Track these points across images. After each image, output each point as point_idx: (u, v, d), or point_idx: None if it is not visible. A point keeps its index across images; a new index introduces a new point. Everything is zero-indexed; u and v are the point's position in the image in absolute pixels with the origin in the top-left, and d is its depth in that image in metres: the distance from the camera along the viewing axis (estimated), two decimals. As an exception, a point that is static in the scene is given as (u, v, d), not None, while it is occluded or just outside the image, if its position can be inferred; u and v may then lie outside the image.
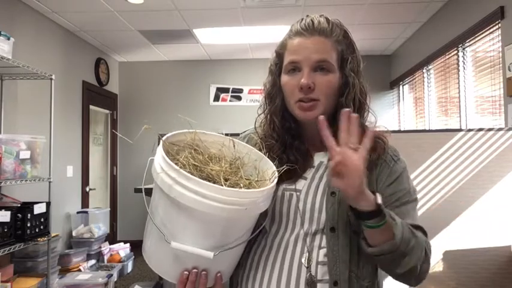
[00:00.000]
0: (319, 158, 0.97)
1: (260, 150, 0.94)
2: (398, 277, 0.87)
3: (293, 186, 0.94)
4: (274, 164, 0.91)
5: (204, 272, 0.84)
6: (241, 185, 0.84)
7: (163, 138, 0.88)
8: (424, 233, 0.91)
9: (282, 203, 0.94)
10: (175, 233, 0.82)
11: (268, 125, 1.00)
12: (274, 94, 0.98)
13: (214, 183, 0.81)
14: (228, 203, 0.77)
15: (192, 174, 0.80)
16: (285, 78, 0.94)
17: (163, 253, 0.86)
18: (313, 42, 0.91)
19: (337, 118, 0.91)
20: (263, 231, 0.95)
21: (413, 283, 0.89)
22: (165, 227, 0.83)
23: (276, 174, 0.88)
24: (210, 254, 0.80)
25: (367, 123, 0.97)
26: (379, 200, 0.80)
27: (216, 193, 0.77)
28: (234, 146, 0.95)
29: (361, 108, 0.94)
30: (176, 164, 0.81)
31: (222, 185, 0.81)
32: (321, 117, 0.80)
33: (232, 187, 0.83)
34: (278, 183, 0.91)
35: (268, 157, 0.93)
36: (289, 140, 0.97)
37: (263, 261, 0.93)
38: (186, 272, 0.84)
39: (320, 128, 0.79)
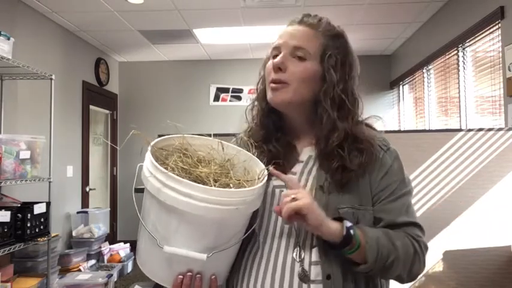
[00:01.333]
0: (307, 152, 0.97)
1: (249, 150, 0.95)
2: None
3: (283, 183, 0.94)
4: (263, 162, 0.91)
5: (198, 275, 0.84)
6: (231, 185, 0.84)
7: (152, 143, 0.88)
8: (420, 228, 0.91)
9: (272, 200, 0.94)
10: (167, 236, 0.81)
11: (254, 112, 1.03)
12: (261, 84, 1.01)
13: (203, 184, 0.81)
14: (217, 203, 0.77)
15: (181, 177, 0.80)
16: (267, 62, 0.97)
17: (156, 257, 0.85)
18: (294, 29, 0.95)
19: (317, 115, 0.93)
20: (255, 230, 0.95)
21: (405, 282, 0.90)
22: (156, 231, 0.82)
23: (265, 172, 0.88)
24: (203, 256, 0.79)
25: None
26: (344, 231, 0.83)
27: (205, 194, 0.76)
28: (222, 148, 0.95)
29: (342, 106, 0.92)
30: (165, 168, 0.81)
31: (211, 186, 0.81)
32: (270, 168, 0.89)
33: (223, 188, 0.83)
34: (268, 180, 0.92)
35: (254, 150, 0.95)
36: (271, 129, 0.99)
37: (257, 261, 0.93)
38: (180, 276, 0.83)
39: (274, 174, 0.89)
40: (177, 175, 0.80)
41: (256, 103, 1.03)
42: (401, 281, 0.89)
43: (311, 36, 0.93)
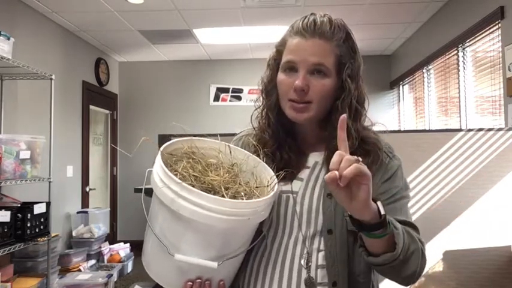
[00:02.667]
0: (314, 158, 0.97)
1: (258, 155, 0.94)
2: (397, 281, 0.87)
3: (289, 188, 0.94)
4: (272, 169, 0.90)
5: (207, 282, 0.84)
6: (242, 193, 0.85)
7: (161, 149, 0.87)
8: (417, 230, 0.90)
9: (280, 206, 0.94)
10: (176, 243, 0.81)
11: (263, 120, 1.00)
12: (270, 90, 0.98)
13: (215, 193, 0.82)
14: (231, 214, 0.77)
15: (193, 186, 0.80)
16: (281, 76, 0.94)
17: (165, 264, 0.85)
18: (312, 44, 0.90)
19: (332, 120, 0.91)
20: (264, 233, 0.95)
21: (412, 282, 0.88)
22: (165, 238, 0.82)
23: (276, 180, 0.87)
24: (214, 264, 0.80)
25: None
26: (383, 210, 0.77)
27: (218, 205, 0.77)
28: (230, 152, 0.94)
29: (357, 113, 0.93)
30: (175, 175, 0.81)
31: (223, 196, 0.81)
32: (343, 116, 0.76)
33: (234, 196, 0.83)
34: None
35: (262, 155, 0.93)
36: (283, 137, 0.97)
37: (263, 266, 0.93)
38: (189, 283, 0.84)
39: (339, 127, 0.76)
40: (190, 184, 0.80)
41: (264, 112, 1.00)
42: (410, 280, 0.85)
43: (328, 51, 0.90)
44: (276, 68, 0.97)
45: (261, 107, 1.01)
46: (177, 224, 0.81)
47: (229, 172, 0.90)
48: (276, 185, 0.87)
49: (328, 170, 0.86)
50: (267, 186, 0.88)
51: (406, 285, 0.89)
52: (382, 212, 0.77)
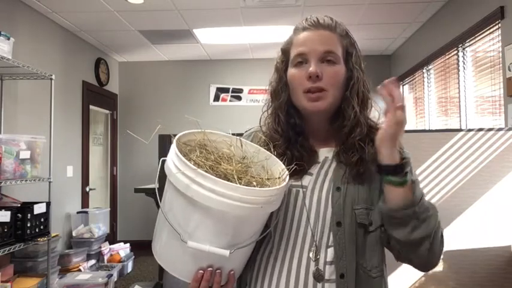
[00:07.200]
0: (323, 153, 0.99)
1: (267, 148, 0.96)
2: (413, 249, 0.87)
3: (299, 183, 0.95)
4: (283, 162, 0.92)
5: (218, 271, 0.85)
6: (255, 183, 0.86)
7: (176, 137, 0.89)
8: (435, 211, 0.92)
9: (289, 199, 0.95)
10: (189, 231, 0.82)
11: (273, 121, 1.01)
12: (279, 90, 1.00)
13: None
14: (244, 201, 0.78)
15: (208, 173, 0.81)
16: (292, 71, 0.96)
17: (177, 252, 0.86)
18: (319, 34, 0.94)
19: (341, 111, 0.94)
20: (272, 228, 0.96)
21: (429, 265, 0.91)
22: (178, 226, 0.83)
23: (287, 172, 0.89)
24: (226, 252, 0.81)
25: (371, 117, 0.99)
26: (404, 155, 0.88)
27: (233, 191, 0.78)
28: (241, 145, 0.96)
29: (364, 101, 0.96)
30: (190, 162, 0.82)
31: (236, 184, 0.82)
32: (393, 78, 0.85)
33: (247, 185, 0.84)
34: None
35: (272, 148, 0.95)
36: (293, 135, 0.98)
37: (272, 261, 0.94)
38: (201, 271, 0.85)
39: (393, 85, 0.84)
40: (205, 171, 0.81)
41: (274, 113, 1.01)
42: (427, 251, 0.86)
43: (335, 40, 0.94)
44: (284, 69, 0.99)
45: (270, 109, 1.03)
46: (190, 210, 0.81)
47: (241, 164, 0.91)
48: (287, 177, 0.88)
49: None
50: (279, 178, 0.89)
51: (425, 266, 0.91)
52: (403, 155, 0.88)
